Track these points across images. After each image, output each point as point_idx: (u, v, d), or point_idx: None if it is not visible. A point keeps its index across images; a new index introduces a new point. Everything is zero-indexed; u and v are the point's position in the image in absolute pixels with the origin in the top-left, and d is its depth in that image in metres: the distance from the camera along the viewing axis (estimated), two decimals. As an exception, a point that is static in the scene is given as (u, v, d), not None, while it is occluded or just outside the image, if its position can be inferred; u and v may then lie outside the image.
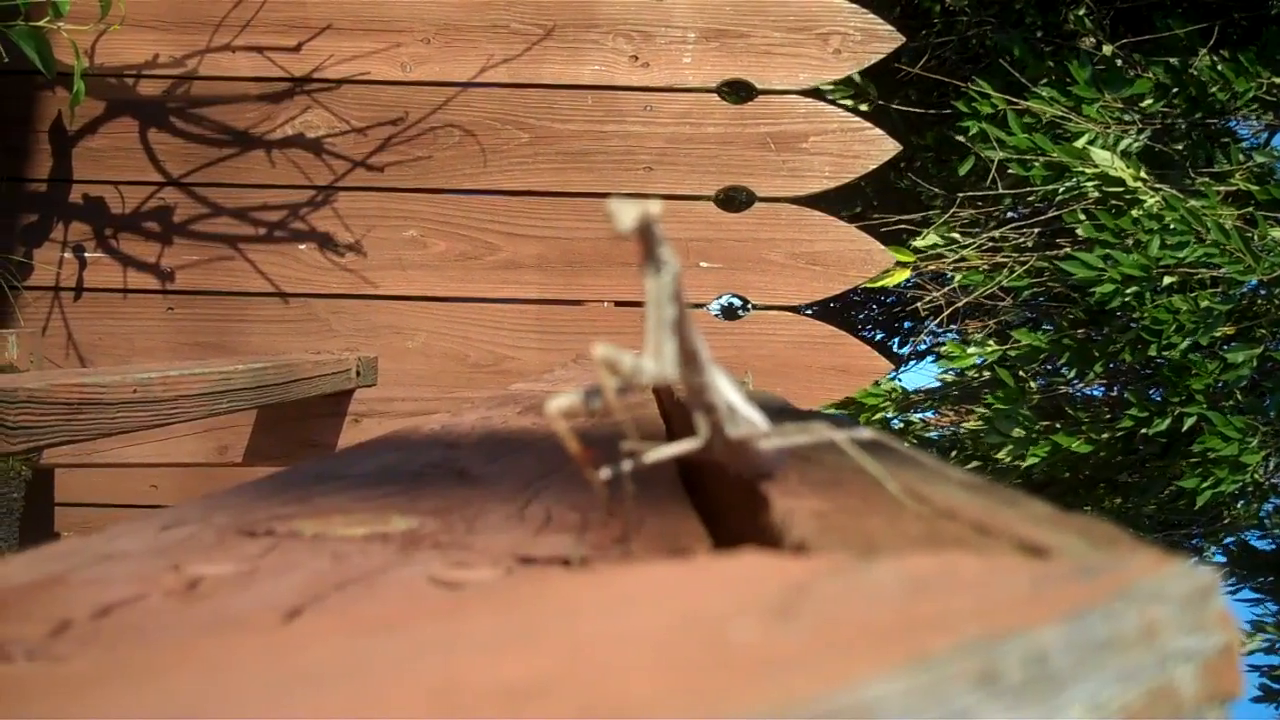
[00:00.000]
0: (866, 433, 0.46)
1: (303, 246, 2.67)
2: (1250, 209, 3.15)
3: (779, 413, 0.68)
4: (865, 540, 0.33)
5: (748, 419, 0.44)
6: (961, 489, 0.41)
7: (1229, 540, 3.95)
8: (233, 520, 0.46)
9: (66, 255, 2.68)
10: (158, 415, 1.68)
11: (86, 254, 2.68)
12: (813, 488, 0.42)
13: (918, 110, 3.88)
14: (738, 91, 2.69)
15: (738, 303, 2.73)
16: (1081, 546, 0.30)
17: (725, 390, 0.44)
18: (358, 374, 2.48)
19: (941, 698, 0.20)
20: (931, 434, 4.23)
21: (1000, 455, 3.43)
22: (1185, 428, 3.11)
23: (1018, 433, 3.34)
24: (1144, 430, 3.20)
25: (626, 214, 0.37)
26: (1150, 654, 0.25)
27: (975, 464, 3.67)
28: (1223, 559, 3.92)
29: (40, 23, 2.17)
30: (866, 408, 3.78)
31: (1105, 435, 3.34)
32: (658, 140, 2.66)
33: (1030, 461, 3.33)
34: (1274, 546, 3.83)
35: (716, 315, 2.79)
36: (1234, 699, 0.27)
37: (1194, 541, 4.00)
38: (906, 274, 3.39)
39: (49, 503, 2.61)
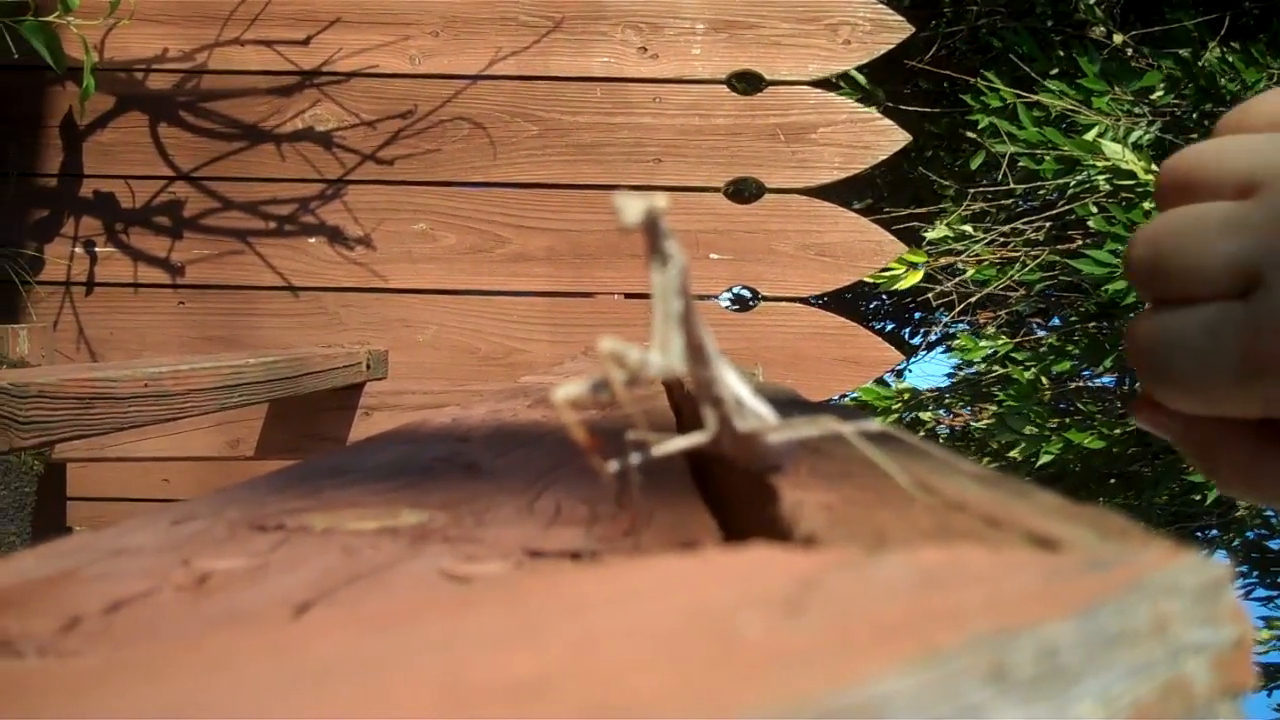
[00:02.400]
0: (875, 425, 0.46)
1: (312, 240, 2.68)
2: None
3: (788, 405, 0.67)
4: (875, 533, 0.33)
5: (755, 412, 0.44)
6: (971, 481, 0.41)
7: (1246, 534, 3.93)
8: (243, 514, 0.46)
9: (77, 250, 2.68)
10: (169, 409, 1.68)
11: (97, 249, 2.68)
12: (822, 480, 0.42)
13: (925, 109, 3.88)
14: (747, 82, 2.69)
15: (748, 294, 2.73)
16: (1092, 539, 0.30)
17: (732, 383, 0.43)
18: (368, 367, 2.48)
19: (953, 694, 0.20)
20: (943, 430, 4.22)
21: (1013, 454, 3.42)
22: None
23: (1030, 430, 3.33)
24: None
25: (632, 208, 0.37)
26: (1162, 647, 0.25)
27: (987, 461, 3.66)
28: (1230, 555, 3.91)
29: (50, 18, 2.17)
30: (879, 410, 3.77)
31: (1117, 430, 3.34)
32: (667, 132, 2.66)
33: (1044, 459, 3.32)
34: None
35: (727, 307, 2.78)
36: (1246, 692, 0.27)
37: (1210, 534, 3.99)
38: (919, 275, 3.38)
39: (61, 497, 2.62)
